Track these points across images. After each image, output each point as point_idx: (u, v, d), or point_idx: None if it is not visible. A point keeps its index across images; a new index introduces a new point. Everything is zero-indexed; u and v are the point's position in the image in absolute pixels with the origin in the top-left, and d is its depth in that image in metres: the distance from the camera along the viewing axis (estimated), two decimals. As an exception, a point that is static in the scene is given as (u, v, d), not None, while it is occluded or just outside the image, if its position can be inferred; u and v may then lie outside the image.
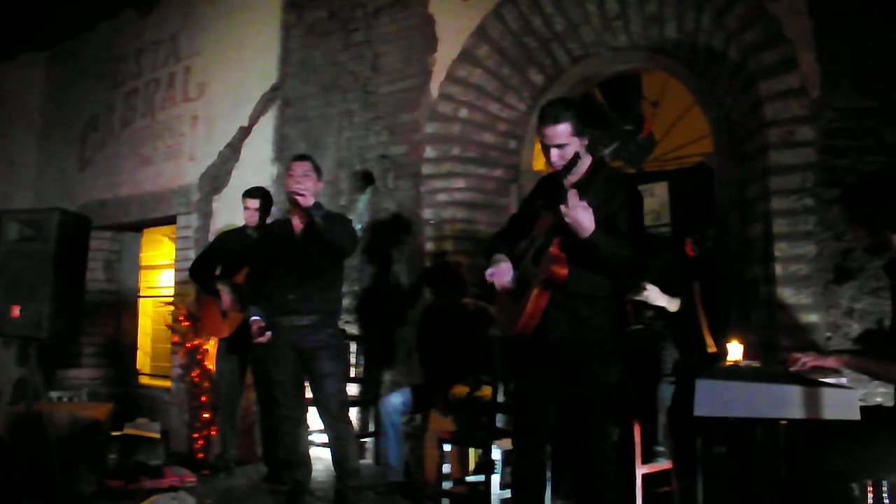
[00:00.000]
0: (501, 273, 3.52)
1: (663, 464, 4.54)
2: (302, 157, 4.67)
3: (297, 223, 4.58)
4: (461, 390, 4.89)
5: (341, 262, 4.71)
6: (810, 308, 4.49)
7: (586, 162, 3.46)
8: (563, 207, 3.18)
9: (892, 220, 3.06)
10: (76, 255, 5.19)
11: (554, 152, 3.40)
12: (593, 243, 3.21)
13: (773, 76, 4.68)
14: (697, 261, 4.32)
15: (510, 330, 3.47)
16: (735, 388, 2.75)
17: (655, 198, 5.93)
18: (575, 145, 3.39)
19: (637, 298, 4.51)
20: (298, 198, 4.34)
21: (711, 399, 2.77)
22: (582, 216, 3.16)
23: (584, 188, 3.27)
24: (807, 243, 4.52)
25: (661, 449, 4.57)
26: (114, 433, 5.76)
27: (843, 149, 4.47)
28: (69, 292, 5.09)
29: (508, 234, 3.77)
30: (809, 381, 2.73)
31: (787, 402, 2.69)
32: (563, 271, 3.28)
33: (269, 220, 5.52)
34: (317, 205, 4.41)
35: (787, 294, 4.53)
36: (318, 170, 4.63)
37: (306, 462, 4.68)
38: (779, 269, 4.56)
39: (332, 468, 4.59)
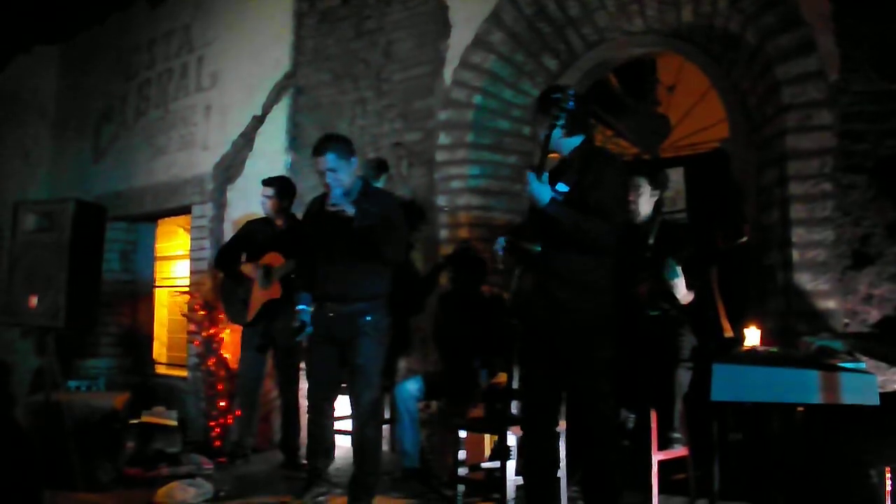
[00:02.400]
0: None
1: (679, 450, 4.51)
2: (321, 151, 4.32)
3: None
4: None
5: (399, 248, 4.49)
6: (828, 294, 4.45)
7: (576, 140, 3.60)
8: (527, 176, 3.39)
9: None
10: (92, 244, 5.24)
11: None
12: (551, 216, 3.36)
13: (790, 59, 4.63)
14: (721, 253, 4.26)
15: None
16: (752, 373, 2.74)
17: (671, 183, 5.88)
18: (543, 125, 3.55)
19: (660, 282, 4.47)
20: (341, 213, 4.11)
21: (728, 384, 2.75)
22: (536, 189, 3.35)
23: (569, 166, 3.49)
24: (824, 229, 4.48)
25: (677, 436, 4.54)
26: (131, 421, 5.78)
27: (862, 133, 4.43)
28: (85, 282, 5.14)
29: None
30: (828, 366, 2.71)
31: (805, 387, 2.67)
32: (535, 248, 3.47)
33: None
34: (359, 211, 4.16)
35: (804, 280, 4.50)
36: (343, 150, 4.32)
37: (328, 452, 4.64)
38: (796, 254, 4.53)
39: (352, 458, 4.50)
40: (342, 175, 4.26)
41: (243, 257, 5.85)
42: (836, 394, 2.65)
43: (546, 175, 3.41)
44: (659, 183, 4.80)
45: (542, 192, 3.32)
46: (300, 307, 4.43)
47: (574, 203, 3.37)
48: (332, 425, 4.65)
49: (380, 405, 4.53)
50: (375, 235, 4.18)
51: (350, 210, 4.12)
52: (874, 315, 4.36)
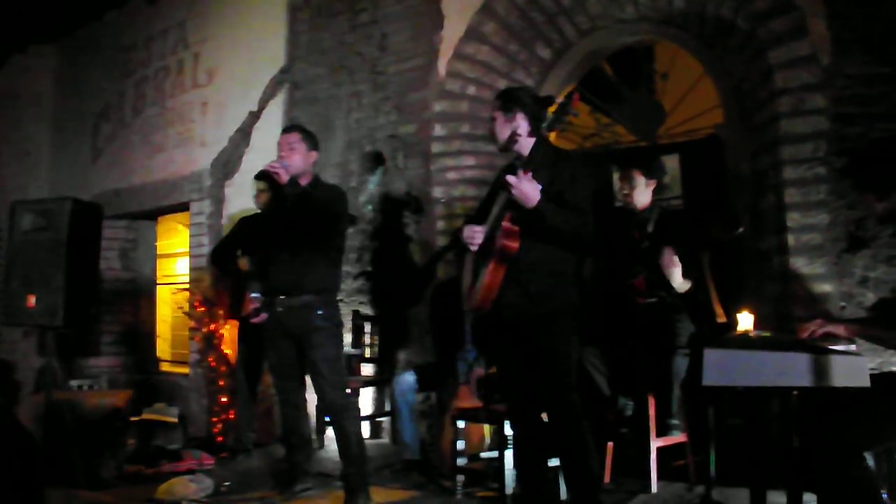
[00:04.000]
0: (468, 228, 3.66)
1: (678, 437, 4.54)
2: (289, 129, 4.55)
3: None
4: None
5: (335, 239, 4.49)
6: (824, 278, 4.47)
7: (531, 141, 3.57)
8: (509, 180, 3.34)
9: None
10: (89, 243, 5.25)
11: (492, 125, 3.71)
12: (540, 213, 3.35)
13: (782, 44, 4.64)
14: (716, 242, 4.28)
15: (472, 306, 3.62)
16: (743, 357, 2.75)
17: (667, 170, 5.88)
18: (500, 122, 3.63)
19: (657, 271, 4.49)
20: (274, 175, 4.17)
21: (720, 368, 2.76)
22: (527, 188, 3.32)
23: (531, 166, 3.41)
24: (819, 212, 4.49)
25: (675, 422, 4.56)
26: (132, 419, 5.80)
27: (855, 116, 4.43)
28: (83, 280, 5.16)
29: (473, 219, 3.84)
30: (818, 349, 2.71)
31: (795, 370, 2.67)
32: (514, 244, 3.41)
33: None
34: (292, 181, 4.24)
35: (800, 264, 4.51)
36: (309, 139, 4.46)
37: (306, 444, 4.68)
38: (791, 239, 4.55)
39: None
40: (297, 158, 4.35)
41: (239, 253, 5.85)
42: (827, 376, 2.66)
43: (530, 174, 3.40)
44: (653, 172, 4.83)
45: (533, 190, 3.32)
46: (253, 294, 4.58)
47: (551, 201, 3.40)
48: (306, 417, 4.68)
49: (344, 388, 4.52)
50: (308, 206, 4.24)
51: (283, 168, 4.19)
52: (870, 298, 4.37)
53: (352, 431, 4.38)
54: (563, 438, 3.54)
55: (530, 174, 3.34)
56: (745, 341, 2.95)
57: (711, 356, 2.76)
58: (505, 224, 3.41)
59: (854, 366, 2.65)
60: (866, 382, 2.65)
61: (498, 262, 3.45)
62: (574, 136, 6.41)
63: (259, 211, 5.82)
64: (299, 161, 4.35)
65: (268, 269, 4.48)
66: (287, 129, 4.56)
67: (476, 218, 3.82)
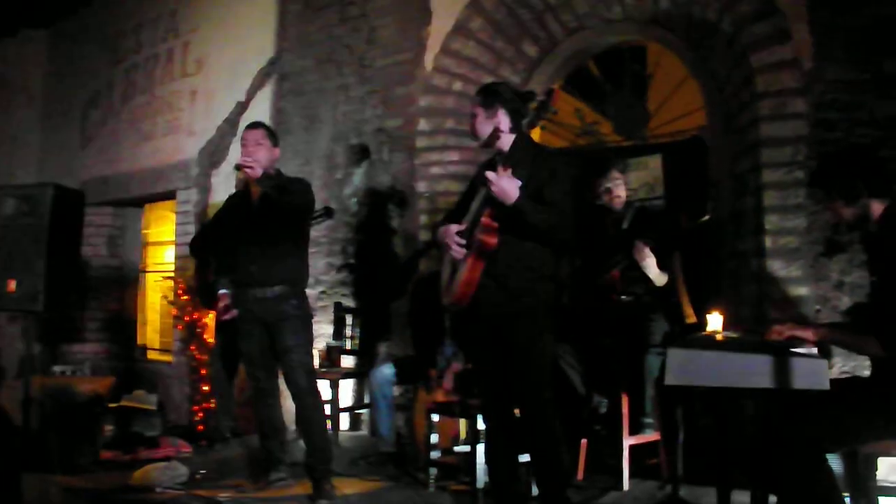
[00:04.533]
0: (447, 231, 3.65)
1: (651, 435, 4.56)
2: (254, 125, 4.61)
3: (254, 192, 4.49)
4: None
5: (302, 231, 4.59)
6: (800, 281, 4.50)
7: (511, 137, 3.57)
8: (489, 176, 3.35)
9: (870, 185, 3.06)
10: (71, 229, 5.27)
11: (472, 121, 3.70)
12: (519, 210, 3.36)
13: (765, 48, 4.67)
14: (686, 233, 4.33)
15: (450, 302, 3.63)
16: (705, 358, 2.77)
17: (650, 170, 5.90)
18: (481, 118, 3.62)
19: (634, 266, 4.52)
20: (247, 170, 4.22)
21: (682, 368, 2.79)
22: (506, 184, 3.33)
23: (510, 162, 3.43)
24: (797, 216, 4.52)
25: (649, 420, 4.59)
26: (111, 405, 5.82)
27: (835, 121, 4.47)
28: (64, 266, 5.16)
29: (453, 214, 3.86)
30: (780, 351, 2.74)
31: (756, 372, 2.70)
32: (493, 240, 3.43)
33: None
34: (275, 173, 4.36)
35: (776, 267, 4.54)
36: (272, 136, 4.56)
37: (279, 433, 4.70)
38: (769, 241, 4.57)
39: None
40: (263, 154, 4.41)
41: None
42: (787, 379, 2.69)
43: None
44: (624, 169, 4.90)
45: (512, 186, 3.33)
46: (222, 291, 4.70)
47: (530, 197, 3.41)
48: (279, 405, 4.69)
49: (313, 377, 4.56)
50: (281, 195, 4.25)
51: (256, 163, 4.23)
52: (845, 302, 4.41)
53: (316, 419, 4.46)
54: (534, 434, 3.57)
55: (510, 171, 3.36)
56: (708, 342, 2.97)
57: (675, 356, 2.79)
58: (484, 220, 3.43)
59: (814, 368, 2.68)
60: (826, 385, 2.68)
61: (476, 258, 3.46)
62: (567, 134, 6.43)
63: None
64: (265, 157, 4.40)
65: (238, 261, 4.52)
66: (252, 126, 4.61)
67: (455, 214, 3.83)
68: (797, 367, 2.68)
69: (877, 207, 3.07)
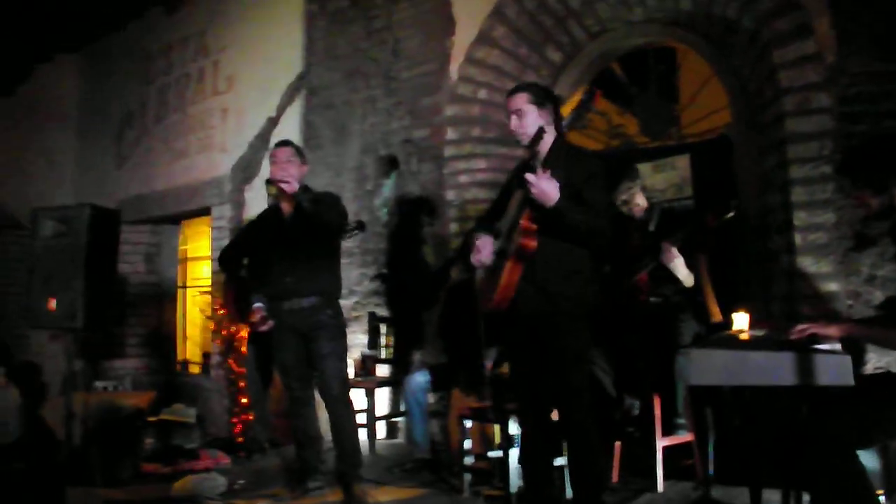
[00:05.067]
0: (480, 248, 3.61)
1: (684, 436, 4.54)
2: (284, 143, 4.73)
3: (286, 208, 4.62)
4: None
5: (335, 243, 4.76)
6: (831, 276, 4.47)
7: (550, 138, 3.54)
8: (529, 178, 3.29)
9: None
10: (107, 248, 5.38)
11: (512, 119, 3.58)
12: (559, 212, 3.31)
13: (787, 43, 4.65)
14: (711, 232, 4.32)
15: (489, 305, 3.57)
16: (728, 357, 2.76)
17: (677, 171, 5.89)
18: (534, 115, 3.52)
19: (662, 267, 4.51)
20: (283, 185, 4.37)
21: (706, 368, 2.79)
22: (547, 186, 3.28)
23: (548, 163, 3.39)
24: (825, 211, 4.49)
25: (681, 421, 4.57)
26: (151, 419, 5.92)
27: (860, 114, 4.43)
28: (102, 284, 5.28)
29: (488, 216, 3.85)
30: (803, 349, 2.73)
31: (779, 370, 2.69)
32: (532, 243, 3.39)
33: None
34: (303, 188, 4.47)
35: (807, 263, 4.52)
36: (300, 154, 4.71)
37: (314, 441, 4.77)
38: (798, 238, 4.55)
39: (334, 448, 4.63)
40: (293, 169, 4.55)
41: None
42: (812, 376, 2.68)
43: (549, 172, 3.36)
44: (635, 176, 4.89)
45: (552, 188, 3.29)
46: (257, 304, 4.76)
47: (567, 199, 3.36)
48: (315, 414, 4.76)
49: (348, 387, 4.67)
50: (318, 209, 4.41)
51: (292, 178, 4.44)
52: (878, 296, 4.36)
53: (347, 427, 4.55)
54: (572, 439, 3.56)
55: (549, 172, 3.32)
56: (731, 341, 2.97)
57: (698, 356, 2.80)
58: (523, 223, 3.39)
59: (838, 365, 2.66)
60: (850, 381, 2.66)
61: (516, 261, 3.43)
62: (598, 136, 6.44)
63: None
64: (296, 173, 4.54)
65: (272, 273, 4.62)
66: (281, 144, 4.75)
67: (490, 217, 3.81)
68: (820, 364, 2.67)
69: None
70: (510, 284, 3.46)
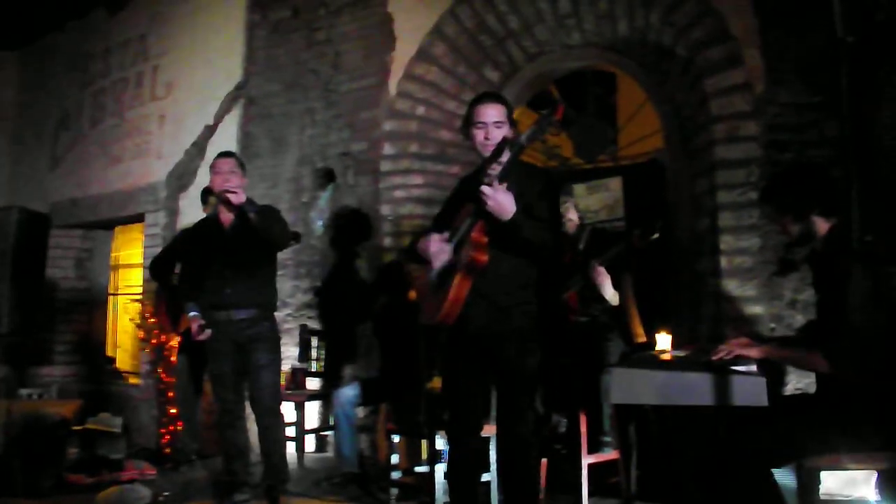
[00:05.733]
0: (437, 251, 3.51)
1: (610, 454, 4.61)
2: (226, 154, 4.74)
3: (225, 218, 4.61)
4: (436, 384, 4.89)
5: (274, 255, 4.77)
6: (755, 300, 4.59)
7: (506, 154, 3.42)
8: (486, 190, 3.22)
9: (819, 202, 3.14)
10: (35, 252, 5.29)
11: (492, 128, 3.44)
12: (515, 225, 3.26)
13: (718, 72, 4.77)
14: (638, 252, 4.40)
15: (433, 318, 3.48)
16: (647, 377, 2.83)
17: (610, 192, 6.01)
18: (505, 130, 3.44)
19: (590, 286, 4.57)
20: (230, 195, 4.35)
21: (625, 387, 2.85)
22: (503, 199, 3.21)
23: (503, 177, 3.30)
24: (751, 236, 4.61)
25: (607, 439, 4.64)
26: (75, 428, 5.81)
27: (787, 142, 4.56)
28: (29, 288, 5.18)
29: (434, 229, 3.71)
30: (721, 370, 2.81)
31: (696, 390, 2.76)
32: (483, 257, 3.31)
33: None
34: (249, 200, 4.45)
35: (732, 286, 4.62)
36: (242, 166, 4.71)
37: (244, 454, 4.74)
38: (724, 261, 4.66)
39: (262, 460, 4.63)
40: (237, 180, 4.54)
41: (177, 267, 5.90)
42: (728, 396, 2.75)
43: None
44: (569, 191, 4.97)
45: (508, 201, 3.22)
46: (193, 313, 4.67)
47: (519, 212, 3.30)
48: (244, 427, 4.73)
49: (279, 399, 4.72)
50: (266, 222, 4.43)
51: (237, 190, 4.40)
52: (799, 319, 4.48)
53: (277, 439, 4.58)
54: (513, 453, 3.49)
55: (504, 186, 3.25)
56: (651, 361, 3.04)
57: (617, 375, 2.85)
58: (475, 235, 3.32)
59: (754, 386, 2.74)
60: (764, 402, 2.74)
61: (465, 275, 3.35)
62: (537, 157, 6.52)
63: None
64: (238, 184, 4.51)
65: (209, 283, 4.59)
66: (225, 154, 4.76)
67: (436, 229, 3.70)
68: (736, 385, 2.75)
69: (822, 225, 3.15)
70: (458, 299, 3.38)
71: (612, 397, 2.86)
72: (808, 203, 3.17)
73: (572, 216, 4.88)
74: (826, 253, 3.16)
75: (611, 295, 4.54)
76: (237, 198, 4.35)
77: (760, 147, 4.61)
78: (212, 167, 4.63)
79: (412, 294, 5.29)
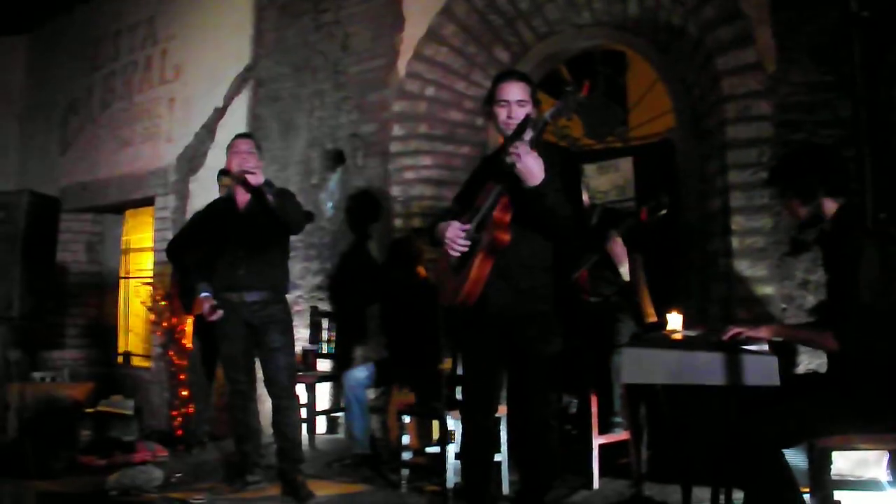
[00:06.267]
0: (450, 229, 3.46)
1: (620, 434, 4.61)
2: (245, 135, 4.75)
3: (240, 199, 4.60)
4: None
5: (287, 238, 4.75)
6: (766, 280, 4.57)
7: (528, 133, 3.36)
8: (514, 153, 3.15)
9: (825, 183, 3.11)
10: (46, 236, 5.30)
11: (514, 107, 3.38)
12: (540, 193, 3.19)
13: (729, 51, 4.74)
14: (648, 229, 4.37)
15: (453, 299, 3.44)
16: (658, 356, 2.83)
17: (621, 172, 5.98)
18: (528, 108, 3.39)
19: (601, 263, 4.56)
20: (249, 176, 4.34)
21: (637, 367, 2.84)
22: (533, 163, 3.14)
23: (533, 146, 3.22)
24: (762, 216, 4.59)
25: (618, 420, 4.64)
26: (88, 410, 5.85)
27: (799, 122, 4.53)
28: (40, 272, 5.19)
29: (452, 211, 3.70)
30: (732, 349, 2.80)
31: (708, 370, 2.76)
32: (506, 236, 3.28)
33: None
34: (267, 182, 4.42)
35: (743, 267, 4.61)
36: (259, 147, 4.68)
37: (255, 435, 4.75)
38: (736, 242, 4.64)
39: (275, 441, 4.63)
40: (254, 161, 4.52)
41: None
42: (739, 375, 2.75)
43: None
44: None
45: (538, 166, 3.16)
46: (204, 294, 4.65)
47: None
48: (256, 409, 4.74)
49: (294, 380, 4.71)
50: (284, 203, 4.43)
51: (256, 171, 4.40)
52: (810, 300, 4.47)
53: (292, 421, 4.56)
54: (534, 433, 3.47)
55: (535, 153, 3.17)
56: (663, 341, 3.03)
57: (629, 355, 2.85)
58: (497, 215, 3.29)
59: (765, 365, 2.74)
60: (776, 382, 2.73)
61: (487, 255, 3.31)
62: (547, 137, 6.47)
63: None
64: (256, 165, 4.49)
65: (222, 265, 4.58)
66: (243, 135, 4.76)
67: (452, 211, 3.68)
68: (748, 365, 2.74)
69: (830, 206, 3.12)
70: (479, 279, 3.33)
71: (624, 377, 2.85)
72: (815, 185, 3.14)
73: (583, 196, 4.85)
74: (835, 233, 3.14)
75: (624, 270, 4.53)
76: (256, 178, 4.35)
77: (772, 126, 4.58)
78: (229, 147, 4.60)
79: (421, 270, 5.30)
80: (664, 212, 4.20)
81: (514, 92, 3.40)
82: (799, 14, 4.57)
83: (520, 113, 3.35)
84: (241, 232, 4.56)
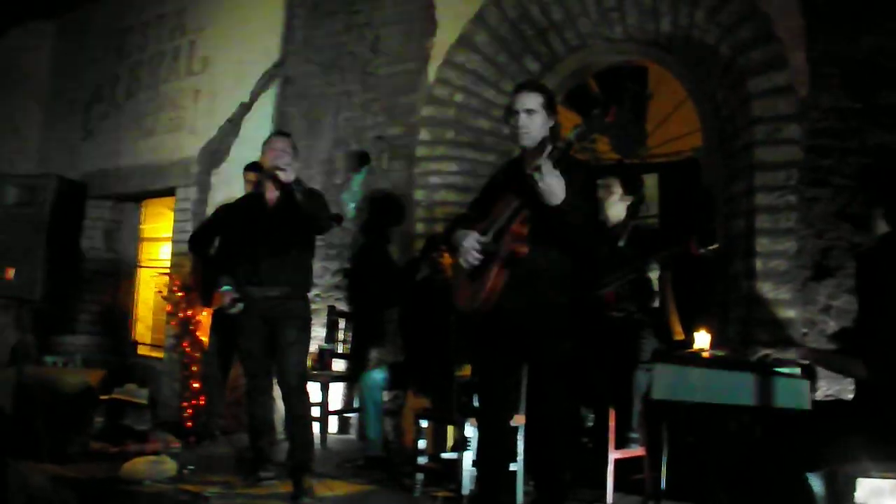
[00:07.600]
0: (466, 239, 3.52)
1: (637, 450, 4.60)
2: (283, 133, 4.78)
3: (270, 196, 4.60)
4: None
5: (313, 238, 4.76)
6: (788, 304, 4.57)
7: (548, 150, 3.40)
8: (542, 166, 3.17)
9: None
10: (71, 221, 5.34)
11: (521, 116, 3.45)
12: (562, 210, 3.21)
13: (762, 74, 4.75)
14: (697, 260, 4.33)
15: (469, 305, 3.50)
16: (691, 374, 2.84)
17: (645, 189, 5.97)
18: (542, 118, 3.45)
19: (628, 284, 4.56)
20: (279, 173, 4.36)
21: (669, 384, 2.85)
22: (555, 182, 3.16)
23: (554, 163, 3.24)
24: (787, 239, 4.59)
25: (635, 436, 4.63)
26: (102, 397, 5.85)
27: (828, 148, 4.54)
28: (63, 257, 5.22)
29: (468, 217, 3.76)
30: (764, 371, 2.80)
31: (740, 390, 2.77)
32: (524, 249, 3.33)
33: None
34: (297, 180, 4.44)
35: (765, 289, 4.61)
36: (295, 149, 4.67)
37: (270, 431, 4.78)
38: (759, 263, 4.64)
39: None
40: (288, 160, 4.52)
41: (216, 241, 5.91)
42: (770, 397, 2.75)
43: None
44: (633, 188, 4.90)
45: (560, 185, 3.18)
46: (226, 287, 4.63)
47: None
48: (272, 404, 4.77)
49: (306, 378, 4.71)
50: (311, 204, 4.43)
51: (287, 168, 4.41)
52: (832, 326, 4.47)
53: (302, 419, 4.56)
54: (548, 449, 3.49)
55: (557, 171, 3.18)
56: (695, 359, 3.04)
57: (662, 372, 2.85)
58: (515, 227, 3.33)
59: (797, 388, 2.74)
60: (807, 405, 2.74)
61: (503, 266, 3.37)
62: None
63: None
64: (289, 164, 4.49)
65: (245, 259, 4.59)
66: (281, 133, 4.81)
67: (469, 217, 3.73)
68: (780, 387, 2.75)
69: (882, 228, 3.11)
70: (495, 289, 3.39)
71: (654, 393, 2.85)
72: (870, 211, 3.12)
73: (618, 211, 4.83)
74: (876, 256, 3.12)
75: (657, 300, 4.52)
76: (286, 175, 4.36)
77: (802, 151, 4.58)
78: (266, 143, 4.63)
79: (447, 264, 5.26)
80: (716, 245, 4.17)
81: (523, 101, 3.48)
82: (832, 40, 4.58)
83: (527, 122, 3.44)
84: (268, 228, 4.57)
